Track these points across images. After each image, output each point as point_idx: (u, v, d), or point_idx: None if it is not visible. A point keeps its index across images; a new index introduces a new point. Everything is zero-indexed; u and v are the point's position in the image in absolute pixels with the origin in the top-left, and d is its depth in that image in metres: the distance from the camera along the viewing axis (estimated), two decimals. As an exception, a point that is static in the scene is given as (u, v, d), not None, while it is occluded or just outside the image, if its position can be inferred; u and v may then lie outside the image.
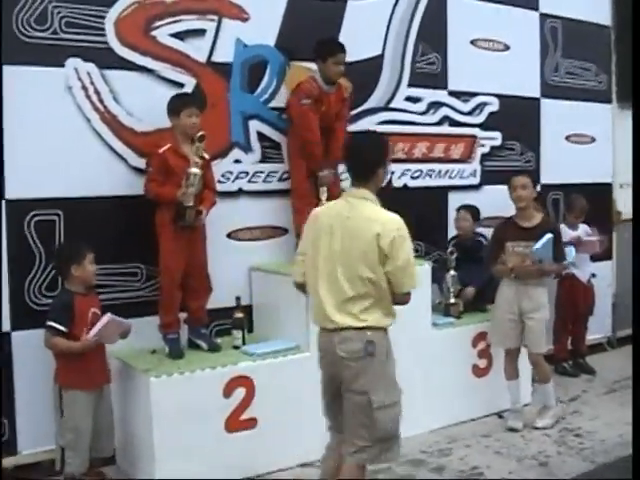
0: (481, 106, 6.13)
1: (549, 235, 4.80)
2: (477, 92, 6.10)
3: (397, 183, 5.66)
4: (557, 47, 6.72)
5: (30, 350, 4.10)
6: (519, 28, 6.40)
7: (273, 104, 5.03)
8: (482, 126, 6.15)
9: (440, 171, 5.91)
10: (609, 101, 7.17)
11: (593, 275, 6.33)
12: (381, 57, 5.56)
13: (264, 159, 5.02)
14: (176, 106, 4.35)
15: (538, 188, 5.80)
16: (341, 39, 5.09)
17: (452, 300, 5.32)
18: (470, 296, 5.43)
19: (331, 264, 3.38)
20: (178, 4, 4.61)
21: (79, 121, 4.33)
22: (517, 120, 6.30)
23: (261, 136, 4.99)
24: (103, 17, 4.37)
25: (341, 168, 5.19)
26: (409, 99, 5.72)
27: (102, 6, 4.36)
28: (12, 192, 4.15)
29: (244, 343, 4.57)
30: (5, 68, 4.08)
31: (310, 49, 4.89)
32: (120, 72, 4.43)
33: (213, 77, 4.77)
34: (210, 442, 4.14)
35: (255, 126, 4.96)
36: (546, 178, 6.55)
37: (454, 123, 6.00)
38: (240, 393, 4.25)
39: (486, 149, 6.20)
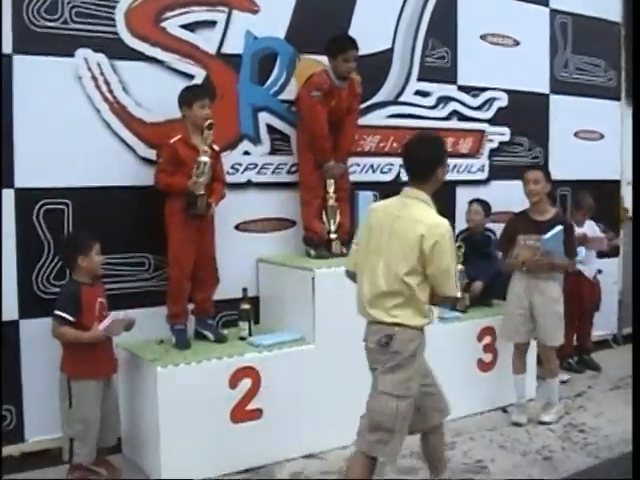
0: (490, 101, 6.13)
1: (559, 227, 4.79)
2: (486, 87, 6.10)
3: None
4: (567, 43, 6.70)
5: (38, 338, 4.12)
6: (529, 24, 6.39)
7: (283, 97, 5.04)
8: (491, 121, 6.15)
9: (448, 165, 5.88)
10: (618, 98, 7.16)
11: (599, 271, 6.34)
12: (391, 51, 5.56)
13: (273, 151, 5.03)
14: (189, 97, 4.35)
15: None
16: (351, 32, 5.10)
17: (459, 294, 5.32)
18: (477, 291, 5.44)
19: (375, 259, 3.47)
20: (188, -5, 4.63)
21: (88, 111, 4.34)
22: (526, 116, 6.29)
23: (270, 128, 5.00)
24: (113, 7, 4.38)
25: (350, 161, 5.24)
26: (418, 93, 5.72)
27: (113, -4, 4.38)
28: (21, 181, 4.17)
29: (250, 334, 4.59)
30: (15, 57, 4.10)
31: (320, 42, 4.89)
32: (130, 63, 4.44)
33: (223, 69, 4.78)
34: (215, 432, 4.16)
35: (264, 118, 4.97)
36: (554, 174, 6.41)
37: (463, 118, 5.99)
38: (246, 384, 4.27)
39: (494, 144, 6.20)
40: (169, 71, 4.58)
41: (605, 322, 6.81)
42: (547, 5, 6.52)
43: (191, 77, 4.64)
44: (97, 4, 4.32)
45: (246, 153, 4.92)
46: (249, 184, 4.94)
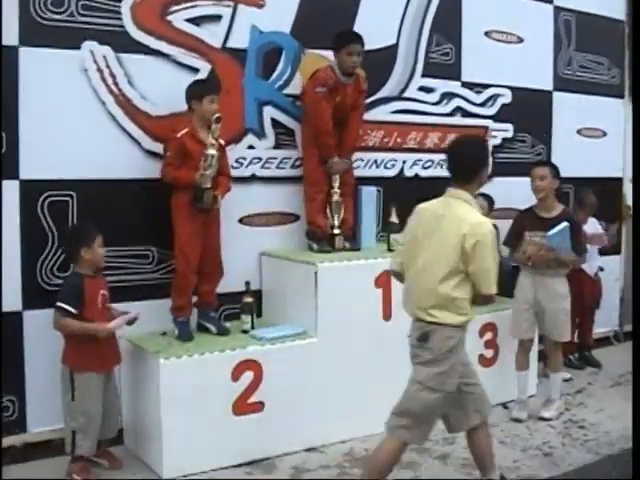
0: (494, 98, 6.14)
1: (565, 223, 4.80)
2: (490, 84, 6.10)
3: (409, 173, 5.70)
4: (570, 40, 6.71)
5: (41, 329, 4.13)
6: (533, 21, 6.40)
7: (287, 91, 5.04)
8: (494, 118, 6.15)
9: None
10: (621, 95, 7.16)
11: (601, 269, 6.35)
12: (395, 47, 5.56)
13: (278, 145, 5.03)
14: (199, 92, 4.37)
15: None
16: (356, 28, 5.12)
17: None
18: None
19: (419, 258, 3.59)
20: (194, -11, 4.63)
21: (94, 104, 4.36)
22: (529, 112, 6.30)
23: (275, 122, 5.01)
24: (120, 1, 4.38)
25: (354, 157, 5.25)
26: (422, 89, 5.73)
27: (119, -11, 4.38)
28: (26, 173, 4.18)
29: (253, 327, 4.61)
30: (22, 49, 4.11)
31: (325, 37, 4.89)
32: (135, 56, 4.45)
33: (228, 63, 4.79)
34: (217, 424, 4.18)
35: (269, 112, 4.97)
36: (556, 171, 6.54)
37: (466, 114, 5.99)
38: (248, 377, 4.28)
39: (497, 140, 6.20)
40: (174, 64, 4.59)
41: (606, 319, 6.83)
42: (551, 2, 6.53)
43: (196, 71, 4.65)
44: (103, -3, 4.33)
45: (250, 147, 4.93)
46: (253, 178, 4.95)
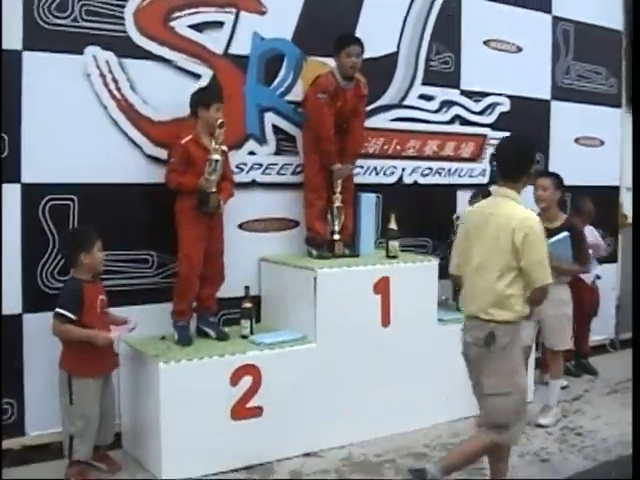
0: (492, 106, 6.17)
1: (565, 233, 4.82)
2: (489, 92, 6.14)
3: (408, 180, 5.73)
4: (569, 50, 6.76)
5: (41, 333, 4.12)
6: (532, 30, 6.45)
7: (289, 98, 5.07)
8: (493, 126, 6.18)
9: (450, 169, 5.95)
10: (619, 105, 7.22)
11: (598, 277, 6.37)
12: (396, 54, 5.60)
13: (278, 151, 5.05)
14: (206, 99, 4.39)
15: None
16: (357, 35, 5.12)
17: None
18: None
19: (473, 258, 3.73)
20: (197, -4, 4.66)
21: (96, 108, 4.37)
22: (527, 121, 6.31)
23: (276, 129, 5.03)
24: (123, 6, 4.41)
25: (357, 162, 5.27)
26: (422, 97, 5.76)
27: (122, -5, 4.41)
28: (28, 176, 4.19)
29: (252, 333, 4.61)
30: (25, 54, 4.13)
31: (327, 44, 4.92)
32: (138, 61, 4.47)
33: (230, 69, 4.81)
34: (216, 429, 4.18)
35: (270, 119, 5.00)
36: (554, 180, 6.57)
37: (465, 122, 6.03)
38: (247, 381, 4.29)
39: (496, 149, 6.23)
40: (176, 70, 4.61)
41: (603, 327, 6.87)
42: (550, 12, 6.57)
43: (198, 77, 4.67)
44: (107, 3, 4.35)
45: (251, 153, 4.95)
46: (254, 184, 4.96)
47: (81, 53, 4.30)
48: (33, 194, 4.22)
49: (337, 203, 4.98)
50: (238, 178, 4.81)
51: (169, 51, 4.57)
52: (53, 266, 4.30)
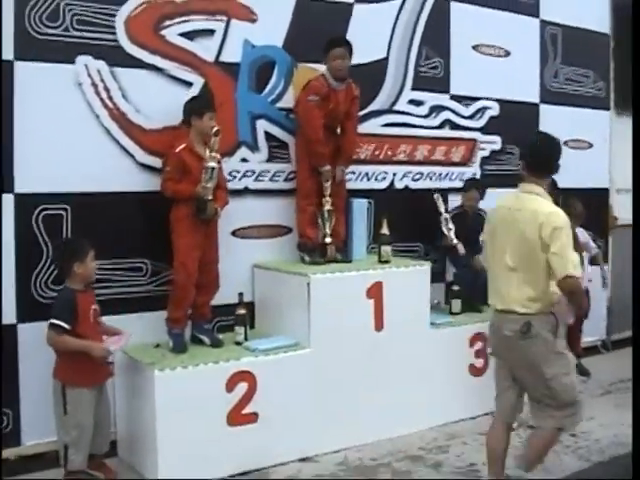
0: (482, 110, 6.21)
1: None
2: (478, 97, 6.19)
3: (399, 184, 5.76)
4: (557, 54, 6.81)
5: (35, 342, 4.10)
6: (520, 34, 6.50)
7: (280, 105, 5.09)
8: (482, 130, 6.23)
9: (441, 174, 5.98)
10: (607, 108, 7.27)
11: (588, 280, 6.40)
12: (386, 60, 5.63)
13: (271, 158, 5.07)
14: (200, 108, 4.41)
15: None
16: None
17: (454, 241, 5.51)
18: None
19: (502, 254, 3.79)
20: (188, 4, 4.67)
21: (88, 117, 4.38)
22: (517, 125, 6.35)
23: (268, 136, 5.05)
24: (114, 15, 4.42)
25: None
26: (412, 102, 5.79)
27: (113, 4, 4.42)
28: (21, 186, 4.20)
29: (246, 339, 4.62)
30: (17, 64, 4.14)
31: (317, 51, 4.94)
32: (129, 70, 4.49)
33: (221, 77, 4.83)
34: (212, 435, 4.19)
35: (262, 126, 5.02)
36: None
37: (455, 127, 6.07)
38: (242, 388, 4.30)
39: (486, 153, 6.29)
40: (168, 78, 4.63)
41: (594, 328, 6.88)
42: (537, 16, 6.63)
43: (190, 85, 4.69)
44: (98, 12, 4.36)
45: (244, 160, 4.96)
46: (246, 191, 4.98)
47: (73, 62, 4.31)
48: (26, 204, 4.22)
49: (327, 207, 4.97)
50: (231, 185, 4.82)
51: (160, 59, 4.59)
52: (47, 275, 4.30)
